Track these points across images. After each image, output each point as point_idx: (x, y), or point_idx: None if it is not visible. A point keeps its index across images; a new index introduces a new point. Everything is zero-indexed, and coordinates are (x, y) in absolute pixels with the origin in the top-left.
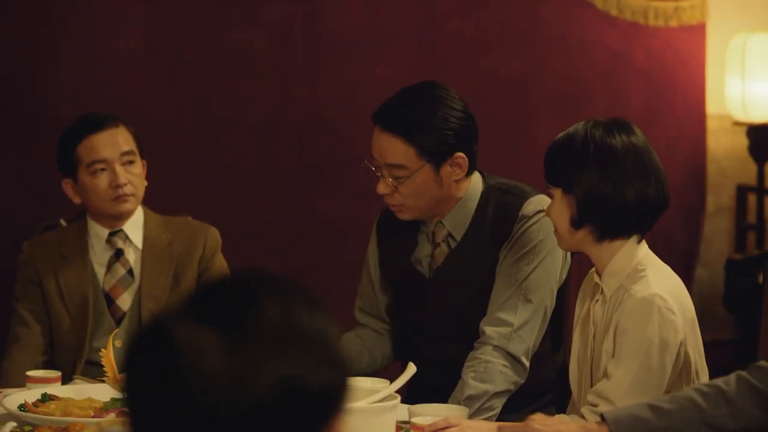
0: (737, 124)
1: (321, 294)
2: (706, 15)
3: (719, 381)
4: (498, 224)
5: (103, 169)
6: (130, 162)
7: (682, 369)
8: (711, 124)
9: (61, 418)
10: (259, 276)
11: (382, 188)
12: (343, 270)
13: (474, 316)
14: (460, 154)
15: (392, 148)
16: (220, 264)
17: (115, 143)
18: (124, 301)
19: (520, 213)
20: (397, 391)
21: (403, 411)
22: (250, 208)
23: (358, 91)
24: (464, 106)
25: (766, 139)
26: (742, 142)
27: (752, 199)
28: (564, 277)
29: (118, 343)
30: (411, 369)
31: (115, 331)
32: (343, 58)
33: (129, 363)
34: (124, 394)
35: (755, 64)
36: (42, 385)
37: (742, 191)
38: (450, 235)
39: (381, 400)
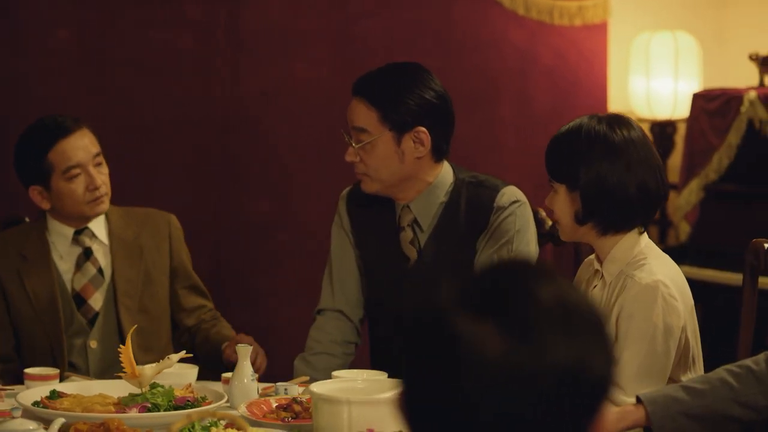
0: (640, 120)
1: (247, 291)
2: (608, 14)
3: (748, 361)
4: (473, 216)
5: (78, 174)
6: (100, 163)
7: (682, 355)
8: None
9: (98, 414)
10: (519, 262)
11: (348, 155)
12: (267, 266)
13: None
14: (423, 129)
15: (358, 111)
16: (186, 252)
17: (85, 146)
18: (96, 301)
19: (495, 204)
20: None
21: None
22: (172, 206)
23: (278, 90)
24: (441, 92)
25: (669, 134)
26: None
27: None
28: None
29: (93, 344)
30: None
31: (134, 327)
32: (263, 58)
33: (407, 355)
34: (402, 386)
35: (659, 61)
36: (41, 383)
37: None
38: (416, 221)
39: None
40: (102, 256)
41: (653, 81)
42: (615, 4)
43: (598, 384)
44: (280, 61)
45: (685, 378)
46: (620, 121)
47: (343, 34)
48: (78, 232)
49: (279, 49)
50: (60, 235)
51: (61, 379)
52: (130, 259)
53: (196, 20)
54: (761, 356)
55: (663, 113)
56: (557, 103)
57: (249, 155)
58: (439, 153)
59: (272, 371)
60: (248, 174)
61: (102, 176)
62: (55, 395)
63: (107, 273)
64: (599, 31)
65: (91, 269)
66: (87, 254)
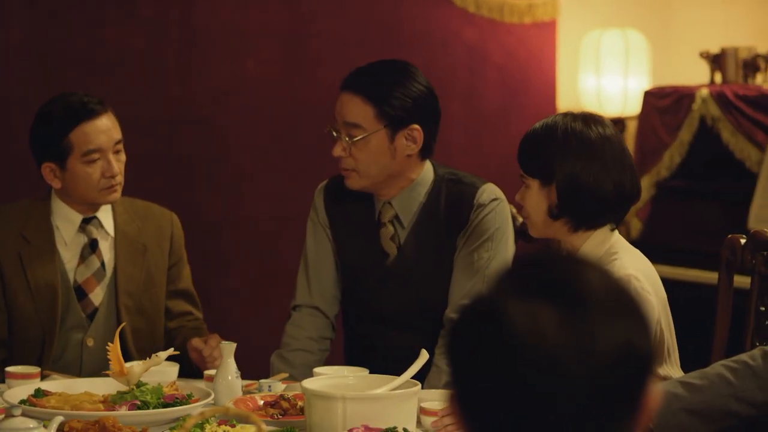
0: None
1: (198, 290)
2: (558, 12)
3: (745, 356)
4: (453, 213)
5: (97, 159)
6: (119, 150)
7: (657, 348)
8: None
9: (94, 413)
10: (558, 252)
11: (337, 150)
12: (218, 265)
13: (432, 302)
14: (417, 126)
15: (352, 107)
16: (184, 255)
17: (109, 131)
18: (97, 296)
19: (475, 201)
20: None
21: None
22: None
23: (230, 88)
24: (430, 87)
25: (618, 131)
26: None
27: None
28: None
29: (90, 342)
30: (423, 356)
31: (122, 325)
32: (215, 56)
33: (461, 351)
34: (456, 381)
35: (609, 59)
36: (23, 381)
37: None
38: (396, 217)
39: (399, 387)
40: (107, 250)
41: (603, 78)
42: (564, 2)
43: (646, 361)
44: (232, 60)
45: (662, 370)
46: (595, 119)
47: (295, 32)
48: (86, 221)
49: (231, 47)
50: (66, 220)
51: (41, 378)
52: (133, 257)
53: (149, 18)
54: (757, 351)
55: (613, 111)
56: (506, 101)
57: (200, 154)
58: (427, 151)
59: None
60: (199, 173)
61: (119, 164)
62: (40, 394)
63: (109, 268)
64: (549, 28)
65: (95, 262)
66: (93, 246)
